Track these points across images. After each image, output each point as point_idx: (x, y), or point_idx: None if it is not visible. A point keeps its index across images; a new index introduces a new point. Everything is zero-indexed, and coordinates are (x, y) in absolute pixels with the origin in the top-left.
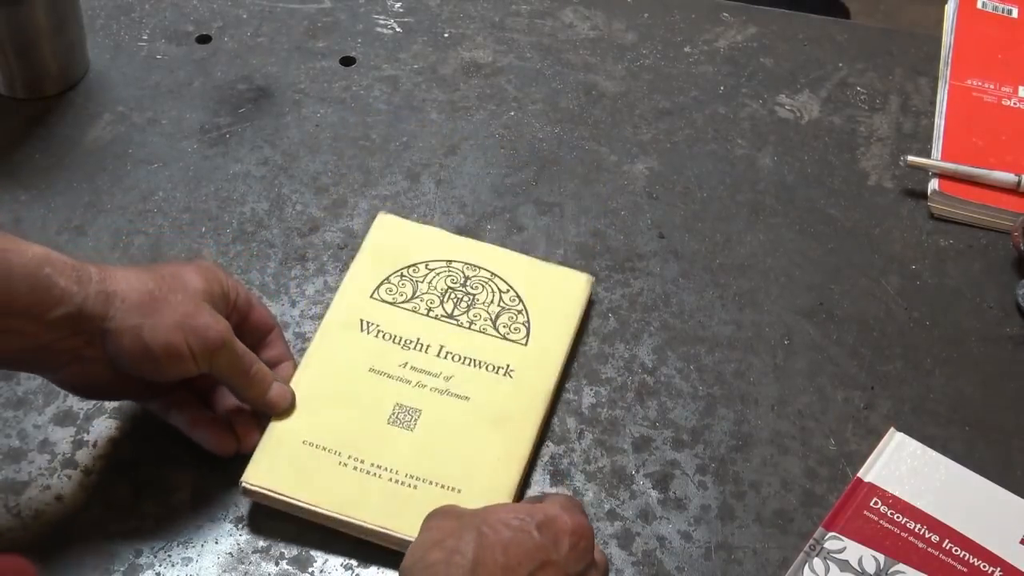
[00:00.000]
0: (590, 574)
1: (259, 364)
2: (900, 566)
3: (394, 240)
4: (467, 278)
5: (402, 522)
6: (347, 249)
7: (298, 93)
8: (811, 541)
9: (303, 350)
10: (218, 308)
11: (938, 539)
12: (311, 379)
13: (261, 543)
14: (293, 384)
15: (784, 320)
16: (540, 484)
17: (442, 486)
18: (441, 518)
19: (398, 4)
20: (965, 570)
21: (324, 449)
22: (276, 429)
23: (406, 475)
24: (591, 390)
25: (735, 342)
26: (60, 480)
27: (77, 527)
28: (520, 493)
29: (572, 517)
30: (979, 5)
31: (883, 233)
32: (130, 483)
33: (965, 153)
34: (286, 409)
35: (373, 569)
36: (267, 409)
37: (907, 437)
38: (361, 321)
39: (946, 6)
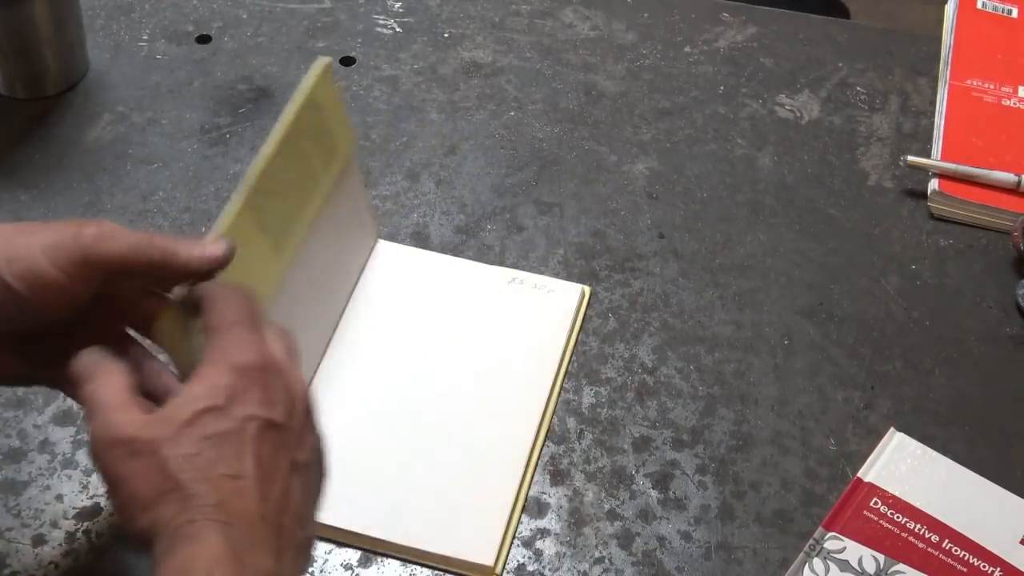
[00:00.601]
0: (293, 392)
1: (156, 234)
2: (900, 566)
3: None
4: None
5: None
6: None
7: None
8: (811, 541)
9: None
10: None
11: (938, 539)
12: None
13: None
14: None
15: (784, 320)
16: (540, 484)
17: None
18: (122, 460)
19: (398, 4)
20: (965, 570)
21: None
22: None
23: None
24: (591, 390)
25: (735, 342)
26: (60, 480)
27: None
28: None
29: (245, 356)
30: (979, 5)
31: (883, 233)
32: None
33: (965, 153)
34: (229, 254)
35: (373, 569)
36: (212, 265)
37: (907, 437)
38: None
39: (946, 6)
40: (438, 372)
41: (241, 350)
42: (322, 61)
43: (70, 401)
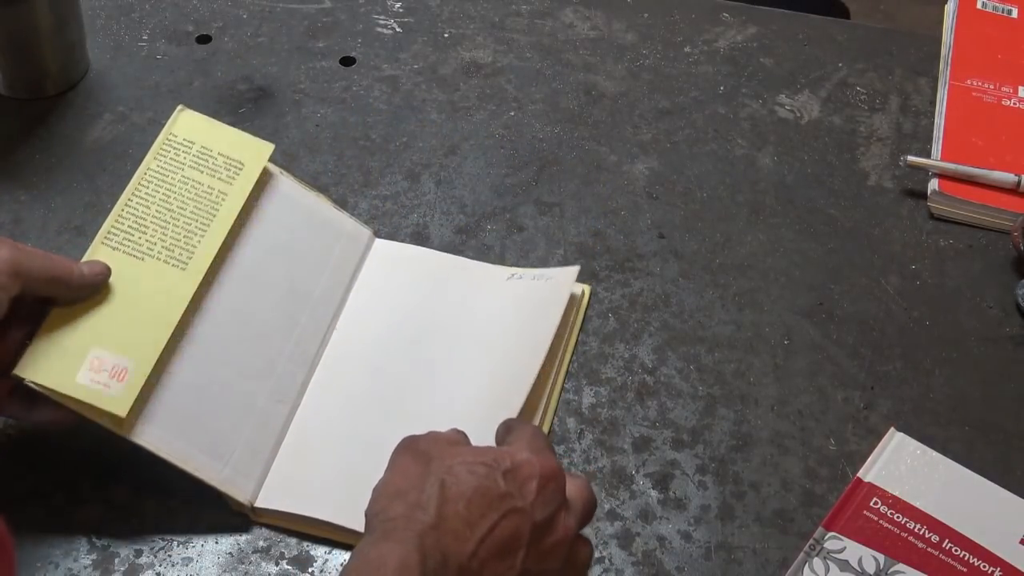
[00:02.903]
0: (559, 517)
1: (55, 256)
2: (900, 566)
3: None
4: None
5: None
6: None
7: (298, 93)
8: (811, 541)
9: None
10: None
11: (938, 539)
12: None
13: (261, 543)
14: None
15: (784, 320)
16: None
17: None
18: (408, 458)
19: (398, 4)
20: (965, 570)
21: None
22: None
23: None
24: (591, 390)
25: (735, 342)
26: (60, 480)
27: (78, 527)
28: None
29: (540, 459)
30: (979, 5)
31: (883, 233)
32: (130, 483)
33: (965, 153)
34: (106, 274)
35: None
36: (92, 288)
37: (907, 437)
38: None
39: (946, 6)
40: (436, 369)
41: (547, 454)
42: (178, 109)
43: None
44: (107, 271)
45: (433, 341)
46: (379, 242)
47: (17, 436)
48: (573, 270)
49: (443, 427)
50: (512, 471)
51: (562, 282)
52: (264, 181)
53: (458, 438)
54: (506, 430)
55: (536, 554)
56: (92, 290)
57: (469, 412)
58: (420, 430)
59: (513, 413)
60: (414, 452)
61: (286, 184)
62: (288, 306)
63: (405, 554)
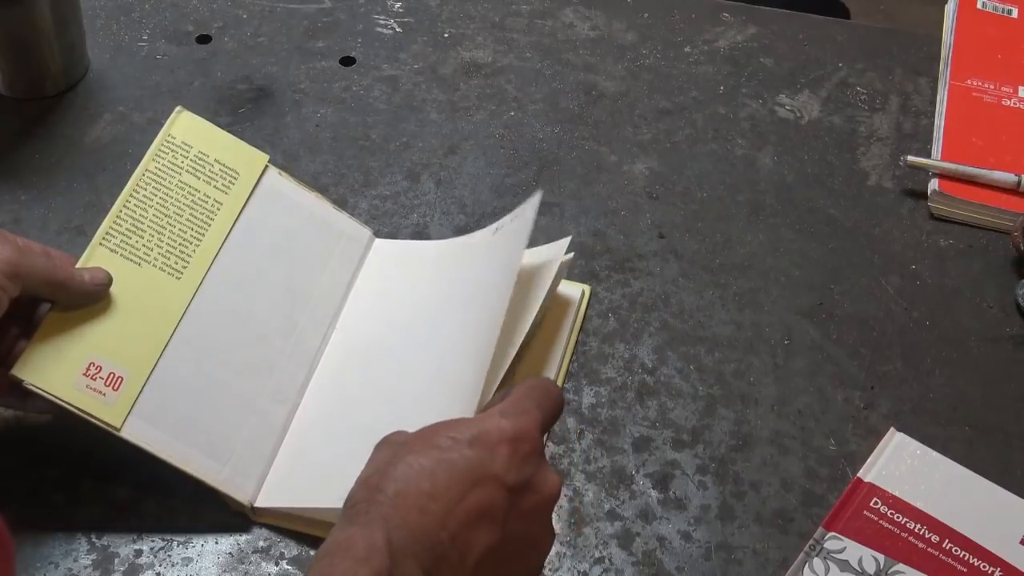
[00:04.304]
0: (539, 476)
1: (55, 254)
2: (900, 566)
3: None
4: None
5: None
6: None
7: (298, 93)
8: (811, 541)
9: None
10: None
11: (938, 539)
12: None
13: (261, 543)
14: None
15: (784, 320)
16: None
17: None
18: (382, 450)
19: (398, 4)
20: (965, 570)
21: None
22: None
23: None
24: (591, 390)
25: (735, 342)
26: (60, 480)
27: (78, 527)
28: None
29: (511, 422)
30: (979, 5)
31: (883, 233)
32: (130, 483)
33: (965, 153)
34: (107, 285)
35: None
36: (92, 298)
37: (907, 437)
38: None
39: (946, 6)
40: (437, 364)
41: (516, 418)
42: (176, 110)
43: None
44: (108, 280)
45: (433, 334)
46: (379, 242)
47: (17, 436)
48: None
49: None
50: (479, 439)
51: (528, 218)
52: (263, 181)
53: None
54: (501, 396)
55: (519, 517)
56: (92, 299)
57: (460, 395)
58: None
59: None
60: (389, 444)
61: (285, 185)
62: (287, 307)
63: (370, 535)
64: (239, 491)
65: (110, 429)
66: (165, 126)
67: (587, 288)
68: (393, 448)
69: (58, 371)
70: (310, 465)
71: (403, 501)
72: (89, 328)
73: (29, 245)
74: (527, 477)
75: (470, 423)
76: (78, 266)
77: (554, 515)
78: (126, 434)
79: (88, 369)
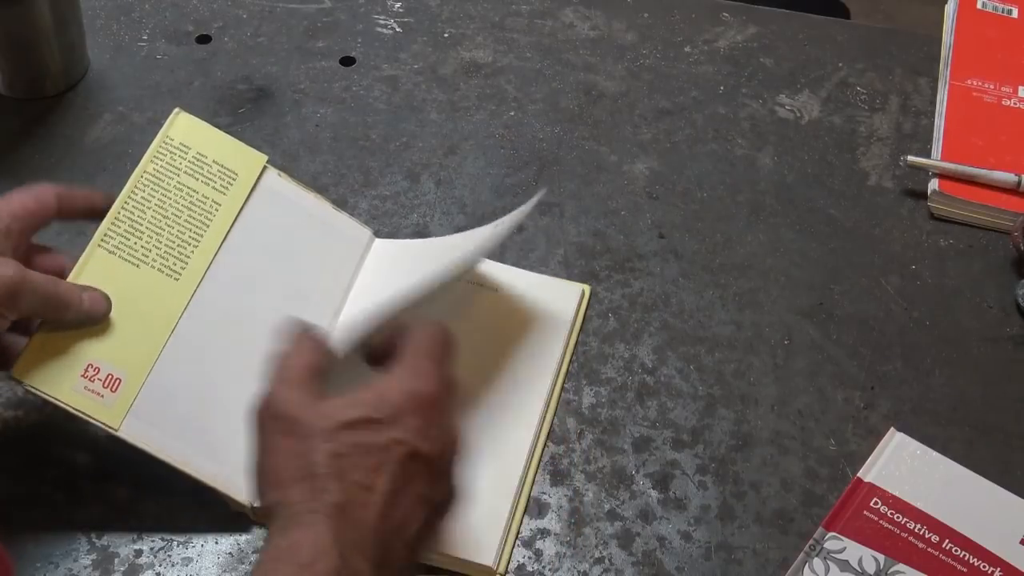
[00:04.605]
0: (448, 439)
1: (62, 283)
2: (900, 566)
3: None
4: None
5: None
6: None
7: (298, 93)
8: (811, 541)
9: None
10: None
11: (938, 539)
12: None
13: (261, 543)
14: None
15: (784, 320)
16: (540, 484)
17: None
18: (277, 435)
19: (398, 4)
20: (965, 570)
21: None
22: None
23: None
24: (591, 390)
25: (735, 342)
26: (60, 480)
27: (78, 527)
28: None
29: (419, 386)
30: (979, 5)
31: (883, 233)
32: (130, 483)
33: (965, 153)
34: (107, 311)
35: None
36: (90, 322)
37: (907, 437)
38: None
39: (946, 6)
40: None
41: (420, 379)
42: (175, 111)
43: None
44: (107, 307)
45: None
46: (379, 241)
47: (17, 436)
48: (576, 289)
49: None
50: (394, 417)
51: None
52: (262, 182)
53: (305, 376)
54: (385, 339)
55: (441, 480)
56: (90, 323)
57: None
58: None
59: (531, 426)
60: (280, 423)
61: (284, 186)
62: (287, 307)
63: (316, 537)
64: (239, 491)
65: (108, 430)
66: (163, 127)
67: (587, 288)
68: (296, 433)
69: (56, 373)
70: None
71: (345, 499)
72: (87, 330)
73: (30, 273)
74: (442, 441)
75: (375, 399)
76: (76, 267)
77: (554, 515)
78: (124, 435)
79: (86, 371)
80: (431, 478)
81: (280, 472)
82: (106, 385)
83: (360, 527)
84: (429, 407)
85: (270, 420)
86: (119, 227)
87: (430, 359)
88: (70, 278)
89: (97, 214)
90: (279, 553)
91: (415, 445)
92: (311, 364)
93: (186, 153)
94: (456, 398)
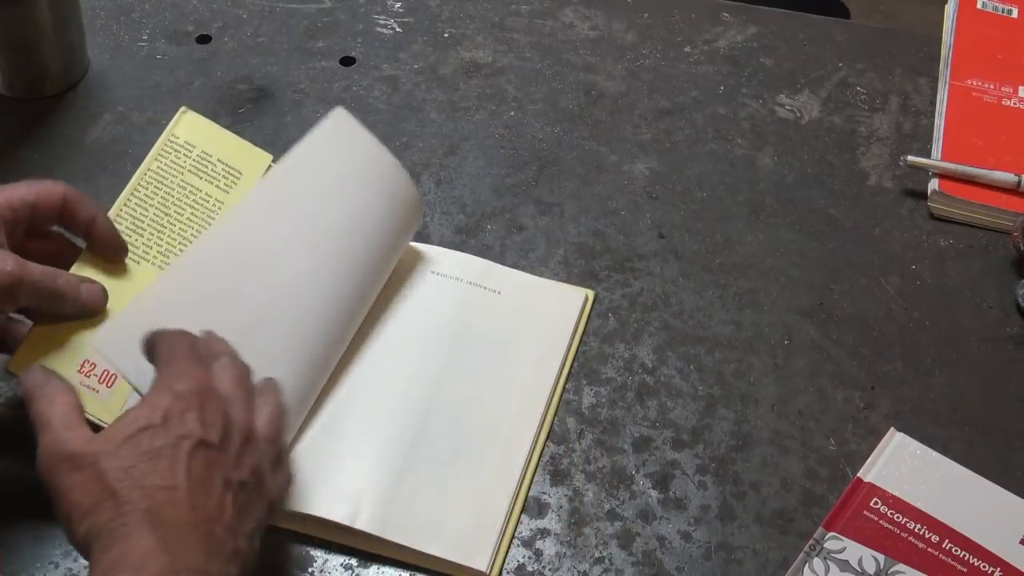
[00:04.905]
0: (232, 420)
1: (61, 275)
2: (900, 566)
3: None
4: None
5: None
6: None
7: (298, 93)
8: (811, 541)
9: None
10: None
11: (938, 539)
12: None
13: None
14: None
15: (784, 320)
16: (540, 484)
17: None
18: (69, 475)
19: (398, 4)
20: (965, 570)
21: None
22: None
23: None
24: (591, 390)
25: (735, 342)
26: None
27: None
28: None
29: (182, 385)
30: (979, 5)
31: (883, 233)
32: None
33: (965, 153)
34: (103, 304)
35: (373, 569)
36: (87, 314)
37: (907, 437)
38: None
39: (946, 6)
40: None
41: (182, 378)
42: (181, 110)
43: None
44: (104, 300)
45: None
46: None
47: (17, 436)
48: (580, 294)
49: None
50: (166, 417)
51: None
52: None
53: (71, 419)
54: (150, 348)
55: (238, 460)
56: (87, 315)
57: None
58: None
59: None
60: (65, 463)
61: None
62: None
63: (138, 541)
64: None
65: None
66: (169, 126)
67: (591, 293)
68: (85, 468)
69: (52, 368)
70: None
71: (151, 502)
72: (83, 326)
73: (29, 266)
74: (224, 424)
75: (146, 408)
76: (76, 262)
77: (554, 515)
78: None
79: (82, 366)
80: (230, 461)
81: (81, 504)
82: (102, 381)
83: (175, 524)
84: (200, 398)
85: (53, 466)
86: (121, 223)
87: (186, 359)
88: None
89: (95, 234)
90: (107, 569)
91: (199, 436)
92: (70, 404)
93: (191, 152)
94: (234, 386)
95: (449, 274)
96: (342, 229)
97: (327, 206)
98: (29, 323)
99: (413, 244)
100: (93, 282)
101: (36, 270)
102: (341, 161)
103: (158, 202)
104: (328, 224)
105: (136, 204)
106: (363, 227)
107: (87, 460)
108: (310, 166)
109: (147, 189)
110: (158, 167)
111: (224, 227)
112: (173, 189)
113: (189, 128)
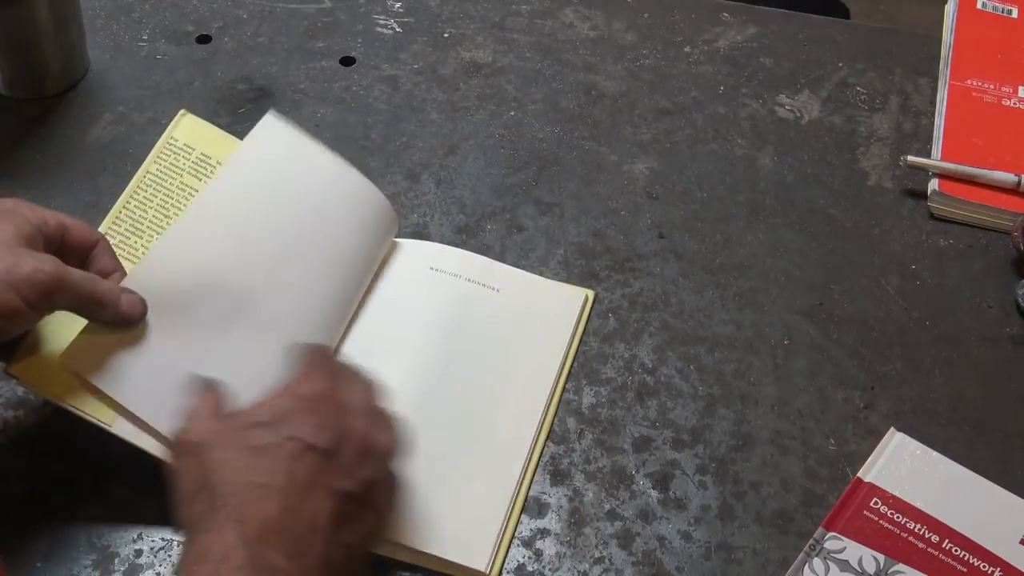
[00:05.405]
0: (348, 431)
1: (101, 282)
2: (900, 566)
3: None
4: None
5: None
6: None
7: (298, 93)
8: (811, 541)
9: None
10: (35, 246)
11: (938, 539)
12: None
13: None
14: None
15: (784, 320)
16: (540, 484)
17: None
18: (185, 459)
19: (398, 4)
20: (965, 570)
21: None
22: None
23: None
24: (591, 390)
25: (735, 342)
26: (60, 480)
27: (78, 527)
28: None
29: (306, 388)
30: (979, 5)
31: (883, 233)
32: (130, 483)
33: (965, 153)
34: (143, 315)
35: (373, 569)
36: (125, 323)
37: (907, 437)
38: None
39: (946, 6)
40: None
41: (305, 384)
42: (180, 113)
43: None
44: (144, 311)
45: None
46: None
47: (17, 436)
48: (580, 294)
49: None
50: (281, 417)
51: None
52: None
53: (212, 411)
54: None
55: (347, 471)
56: (126, 325)
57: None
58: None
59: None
60: (187, 449)
61: None
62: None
63: (221, 536)
64: None
65: (103, 425)
66: (168, 129)
67: (591, 293)
68: (198, 455)
69: (51, 369)
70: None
71: (242, 499)
72: (82, 327)
73: (68, 270)
74: (339, 434)
75: (264, 406)
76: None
77: (554, 515)
78: (117, 430)
79: None
80: (339, 470)
81: (186, 489)
82: None
83: (264, 522)
84: (318, 403)
85: (175, 451)
86: (120, 226)
87: (312, 365)
88: None
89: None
90: (191, 558)
91: (309, 440)
92: (213, 402)
93: (190, 154)
94: (363, 401)
95: (448, 271)
96: (295, 232)
97: (275, 213)
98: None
99: (412, 240)
100: (134, 293)
101: (76, 273)
102: (279, 166)
103: (158, 204)
104: (279, 228)
105: (136, 206)
106: (316, 227)
107: (198, 448)
108: (250, 177)
109: (147, 191)
110: (157, 169)
111: (174, 242)
112: (172, 191)
113: (188, 130)
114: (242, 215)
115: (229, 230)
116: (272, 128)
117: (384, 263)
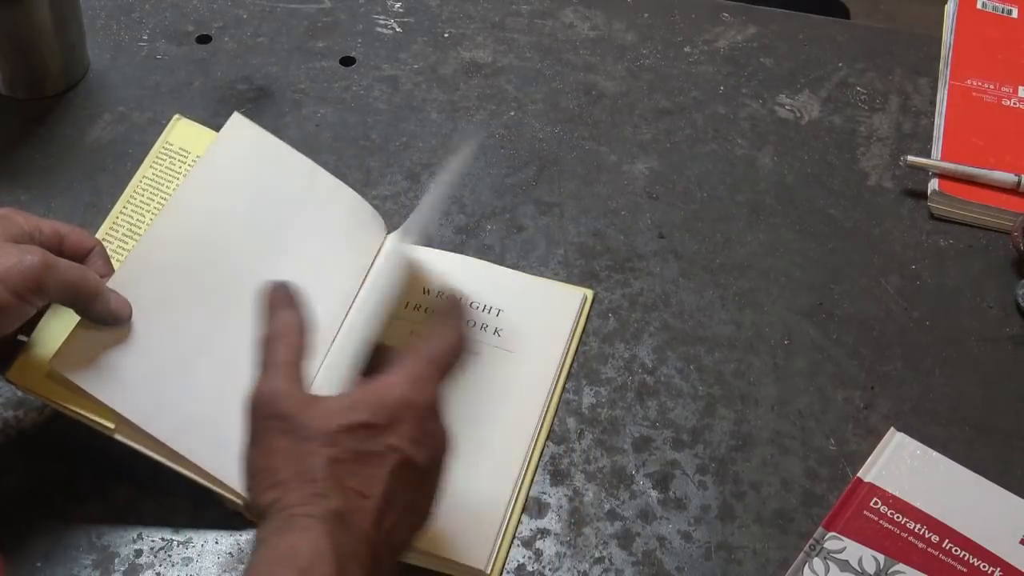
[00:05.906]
0: (436, 444)
1: (89, 271)
2: (900, 566)
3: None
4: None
5: None
6: None
7: (298, 93)
8: (811, 541)
9: None
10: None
11: (938, 539)
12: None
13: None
14: None
15: (784, 320)
16: (540, 484)
17: None
18: (274, 434)
19: (398, 4)
20: (965, 570)
21: None
22: None
23: None
24: (591, 390)
25: (735, 342)
26: (60, 480)
27: (78, 527)
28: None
29: (418, 395)
30: (979, 5)
31: (883, 233)
32: (130, 483)
33: (965, 153)
34: (130, 315)
35: None
36: (115, 320)
37: (907, 437)
38: None
39: (946, 6)
40: None
41: (419, 386)
42: (174, 118)
43: None
44: (130, 312)
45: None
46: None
47: (17, 436)
48: (579, 294)
49: None
50: (389, 424)
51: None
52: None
53: (293, 369)
54: (385, 359)
55: (428, 488)
56: (114, 322)
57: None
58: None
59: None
60: (277, 421)
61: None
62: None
63: (314, 541)
64: (239, 491)
65: (104, 431)
66: (163, 134)
67: (590, 292)
68: (293, 434)
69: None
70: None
71: (341, 505)
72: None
73: (56, 259)
74: (434, 451)
75: (376, 404)
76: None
77: (554, 515)
78: (120, 435)
79: None
80: (419, 486)
81: (277, 473)
82: None
83: (356, 535)
84: (424, 415)
85: (266, 417)
86: (117, 231)
87: (435, 367)
88: None
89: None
90: (276, 555)
91: (409, 454)
92: (298, 352)
93: (185, 158)
94: (447, 405)
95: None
96: (268, 228)
97: (246, 210)
98: (26, 339)
99: (410, 246)
100: (120, 295)
101: (64, 263)
102: (247, 164)
103: (154, 208)
104: (252, 226)
105: (132, 211)
106: (288, 221)
107: (302, 432)
108: (219, 176)
109: (143, 196)
110: (153, 174)
111: (151, 244)
112: (168, 195)
113: (183, 135)
114: (214, 214)
115: (203, 230)
116: (239, 127)
117: (382, 269)
